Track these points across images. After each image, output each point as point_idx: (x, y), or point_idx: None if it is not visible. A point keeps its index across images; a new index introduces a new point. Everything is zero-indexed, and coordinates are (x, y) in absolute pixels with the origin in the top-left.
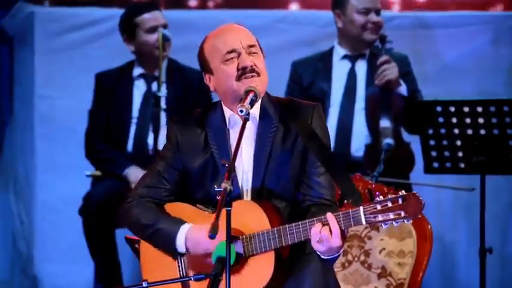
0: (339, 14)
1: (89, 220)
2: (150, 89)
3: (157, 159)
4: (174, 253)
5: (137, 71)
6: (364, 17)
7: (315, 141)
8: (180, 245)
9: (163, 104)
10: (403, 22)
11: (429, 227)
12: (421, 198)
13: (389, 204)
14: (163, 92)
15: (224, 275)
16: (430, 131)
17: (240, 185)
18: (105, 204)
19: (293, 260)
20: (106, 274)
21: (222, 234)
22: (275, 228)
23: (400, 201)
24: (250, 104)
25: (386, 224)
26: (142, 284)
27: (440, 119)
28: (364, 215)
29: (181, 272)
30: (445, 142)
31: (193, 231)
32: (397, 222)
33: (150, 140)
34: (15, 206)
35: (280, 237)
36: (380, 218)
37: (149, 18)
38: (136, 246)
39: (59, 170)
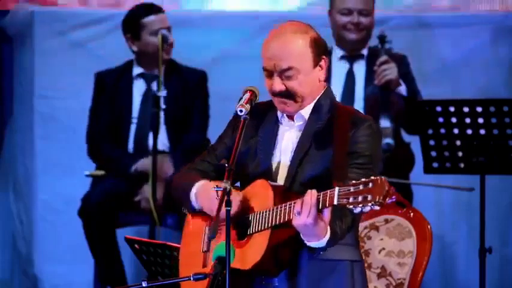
0: (330, 14)
1: (89, 221)
2: (150, 88)
3: (218, 138)
4: (192, 209)
5: (136, 70)
6: (345, 17)
7: (351, 151)
8: (192, 196)
9: (162, 104)
10: (403, 22)
11: (429, 227)
12: (386, 184)
13: (361, 187)
14: (163, 92)
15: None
16: (430, 131)
17: (274, 163)
18: (105, 205)
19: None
20: (108, 275)
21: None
22: (270, 208)
23: (370, 185)
24: (250, 104)
25: (355, 208)
26: (141, 284)
27: (440, 119)
28: (339, 195)
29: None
30: (444, 142)
31: (203, 185)
32: (365, 207)
33: (151, 139)
34: (15, 206)
35: (270, 216)
36: (351, 199)
37: (155, 20)
38: (136, 246)
39: (59, 170)
